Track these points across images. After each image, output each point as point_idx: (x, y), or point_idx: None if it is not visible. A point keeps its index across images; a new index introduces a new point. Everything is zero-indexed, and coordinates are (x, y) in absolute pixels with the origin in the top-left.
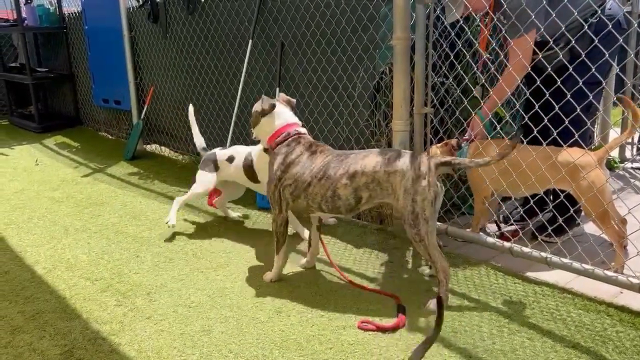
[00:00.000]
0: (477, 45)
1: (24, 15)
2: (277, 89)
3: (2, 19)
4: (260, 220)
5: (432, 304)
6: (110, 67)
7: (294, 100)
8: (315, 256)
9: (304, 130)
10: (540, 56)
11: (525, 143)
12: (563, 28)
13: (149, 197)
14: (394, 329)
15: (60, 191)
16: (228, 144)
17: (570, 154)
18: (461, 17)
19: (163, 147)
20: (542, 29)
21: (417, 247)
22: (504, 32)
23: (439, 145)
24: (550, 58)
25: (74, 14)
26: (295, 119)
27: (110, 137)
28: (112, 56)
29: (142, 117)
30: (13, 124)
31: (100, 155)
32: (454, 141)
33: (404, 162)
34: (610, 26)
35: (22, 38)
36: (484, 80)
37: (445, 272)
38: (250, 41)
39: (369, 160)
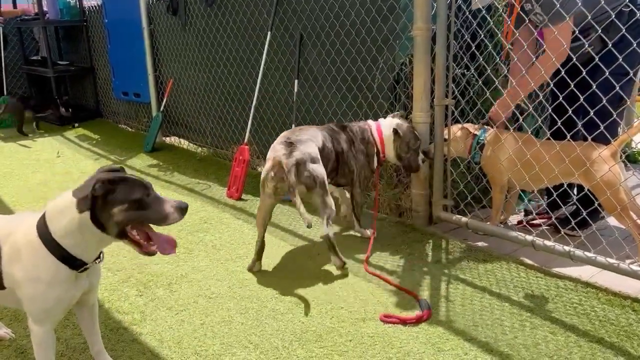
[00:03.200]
0: (500, 35)
1: (45, 9)
2: (296, 81)
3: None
4: (279, 211)
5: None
6: (129, 60)
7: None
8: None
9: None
10: (569, 47)
11: (549, 135)
12: (589, 17)
13: (168, 189)
14: (417, 322)
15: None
16: (246, 136)
17: (584, 149)
18: (489, 4)
19: (182, 140)
20: (569, 18)
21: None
22: (540, 21)
23: (459, 126)
24: (580, 49)
25: (94, 7)
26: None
27: (130, 130)
28: (132, 49)
29: (161, 109)
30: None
31: (120, 148)
32: (471, 126)
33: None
34: None
35: (44, 31)
36: (506, 71)
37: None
38: (269, 33)
39: None
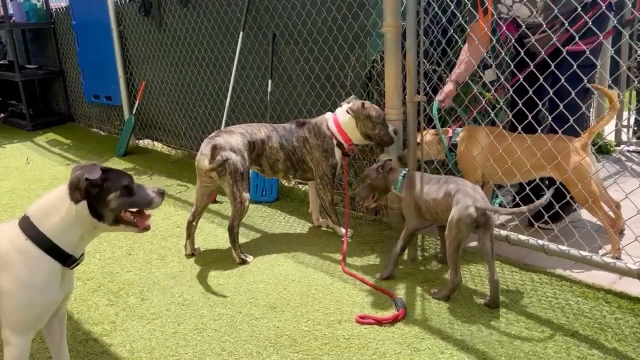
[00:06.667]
0: (468, 31)
1: (10, 11)
2: (270, 81)
3: None
4: (254, 214)
5: None
6: (99, 62)
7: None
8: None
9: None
10: (534, 39)
11: (520, 130)
12: (556, 10)
13: None
14: (393, 321)
15: (51, 189)
16: None
17: (558, 141)
18: None
19: (156, 142)
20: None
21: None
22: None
23: (431, 132)
24: (544, 41)
25: (61, 9)
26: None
27: (103, 133)
28: (101, 51)
29: (133, 112)
30: (4, 122)
31: (92, 152)
32: (444, 130)
33: None
34: (604, 7)
35: (10, 35)
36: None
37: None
38: (242, 33)
39: None
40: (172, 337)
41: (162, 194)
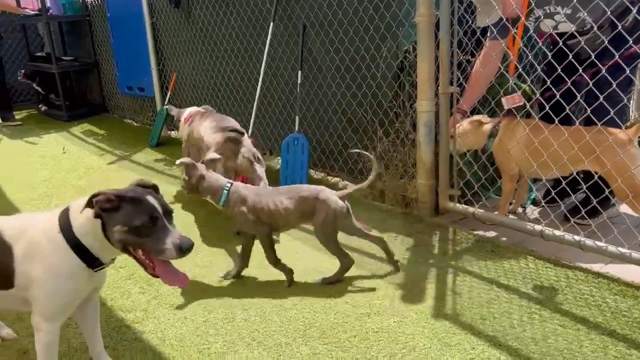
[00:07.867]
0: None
1: (47, 4)
2: (299, 72)
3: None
4: None
5: None
6: (133, 54)
7: None
8: None
9: None
10: (578, 40)
11: (557, 122)
12: (609, 12)
13: (173, 184)
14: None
15: (86, 179)
16: (250, 130)
17: (600, 133)
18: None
19: None
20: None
21: None
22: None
23: (468, 120)
24: (592, 40)
25: (96, 2)
26: None
27: (135, 124)
28: (135, 43)
29: (165, 103)
30: (41, 113)
31: (125, 143)
32: (483, 118)
33: None
34: None
35: (47, 27)
36: (511, 59)
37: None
38: (272, 24)
39: None
40: (203, 325)
41: (182, 249)
